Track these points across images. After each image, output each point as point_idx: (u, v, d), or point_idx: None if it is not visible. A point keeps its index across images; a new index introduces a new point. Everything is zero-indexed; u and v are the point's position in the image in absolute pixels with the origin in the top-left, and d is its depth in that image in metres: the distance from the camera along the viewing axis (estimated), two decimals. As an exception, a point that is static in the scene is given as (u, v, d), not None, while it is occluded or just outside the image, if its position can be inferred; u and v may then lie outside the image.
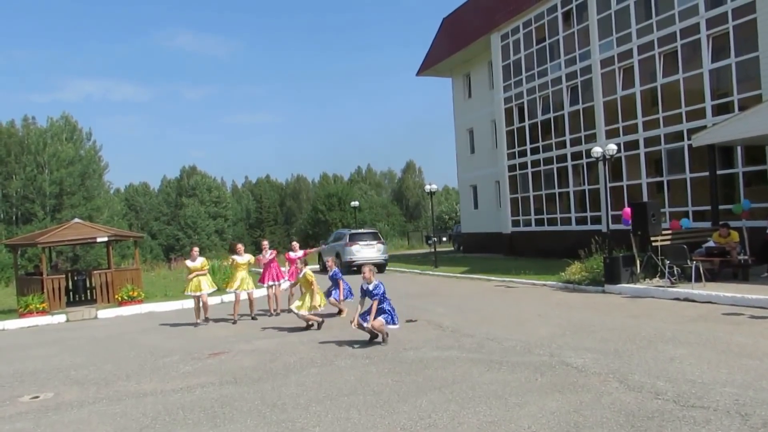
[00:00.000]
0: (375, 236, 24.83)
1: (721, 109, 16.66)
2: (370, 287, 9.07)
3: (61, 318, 14.81)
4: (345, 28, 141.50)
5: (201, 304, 12.83)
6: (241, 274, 12.97)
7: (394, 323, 9.07)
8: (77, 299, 17.39)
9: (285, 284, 13.66)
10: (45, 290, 15.27)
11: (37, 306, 14.72)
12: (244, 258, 13.11)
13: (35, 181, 46.63)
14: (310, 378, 7.40)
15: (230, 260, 13.43)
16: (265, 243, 14.28)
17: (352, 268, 21.98)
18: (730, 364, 6.62)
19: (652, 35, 18.83)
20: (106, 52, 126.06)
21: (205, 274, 12.94)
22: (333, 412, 5.97)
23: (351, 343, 9.37)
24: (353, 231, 25.36)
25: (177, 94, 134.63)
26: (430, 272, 22.19)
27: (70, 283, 17.47)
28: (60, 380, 8.19)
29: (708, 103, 17.18)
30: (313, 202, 70.94)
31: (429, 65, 32.76)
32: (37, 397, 7.37)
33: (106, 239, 16.45)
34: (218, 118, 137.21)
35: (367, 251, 23.79)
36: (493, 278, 17.97)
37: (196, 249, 13.45)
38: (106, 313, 15.20)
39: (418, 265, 25.68)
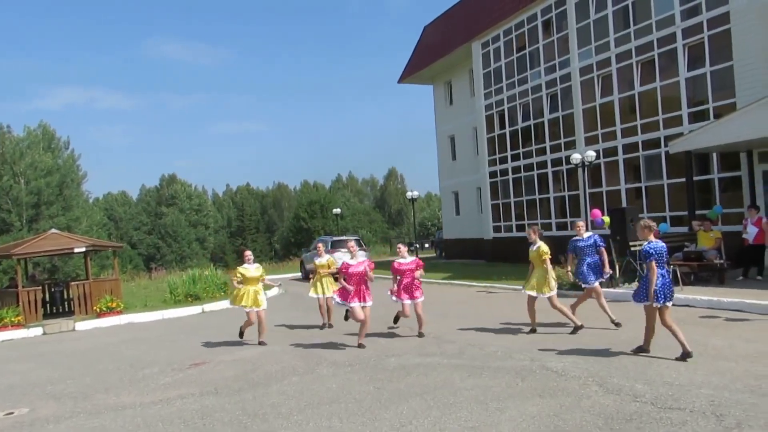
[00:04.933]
0: (357, 243, 24.74)
1: (697, 117, 16.94)
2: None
3: (37, 331, 14.54)
4: (327, 36, 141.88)
5: (257, 320, 10.37)
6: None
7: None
8: (55, 311, 17.14)
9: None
10: (20, 303, 15.00)
11: (12, 319, 14.41)
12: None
13: (11, 191, 45.87)
14: (291, 387, 7.37)
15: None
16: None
17: (335, 276, 21.93)
18: (706, 367, 6.72)
19: (629, 44, 19.11)
20: (91, 62, 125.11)
21: (260, 286, 10.48)
22: (314, 420, 5.96)
23: (333, 352, 9.36)
24: (335, 238, 25.32)
25: (162, 103, 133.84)
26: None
27: (47, 295, 17.21)
28: (36, 395, 8.05)
29: (684, 111, 17.46)
30: (294, 209, 70.76)
31: (410, 73, 32.91)
32: (11, 413, 7.22)
33: (83, 250, 16.26)
34: (202, 127, 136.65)
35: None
36: (474, 284, 18.05)
37: (248, 252, 10.88)
38: (84, 325, 14.97)
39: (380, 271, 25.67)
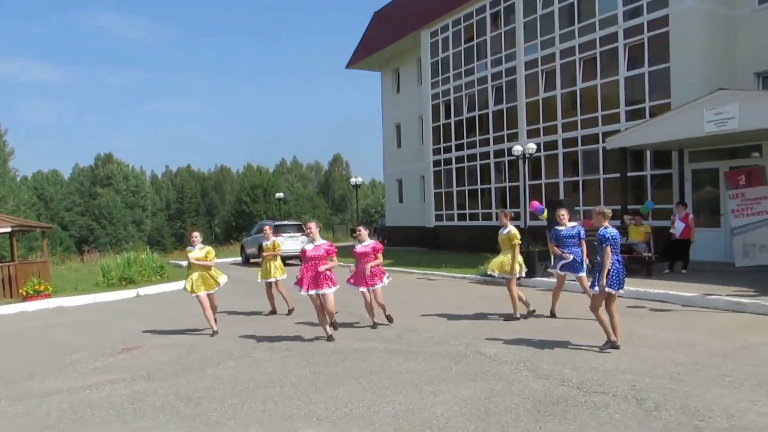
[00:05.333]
0: (299, 228, 24.62)
1: (634, 115, 17.55)
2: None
3: (-45, 314, 13.81)
4: (276, 17, 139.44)
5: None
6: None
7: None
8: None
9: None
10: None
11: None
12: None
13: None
14: (227, 371, 7.30)
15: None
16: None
17: (284, 260, 21.76)
18: (630, 354, 7.02)
19: (573, 41, 19.58)
20: (20, 30, 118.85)
21: (210, 268, 9.74)
22: (249, 404, 5.93)
23: (270, 336, 9.30)
24: (277, 222, 25.07)
25: (99, 78, 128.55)
26: (354, 265, 22.21)
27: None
28: (-45, 378, 7.69)
29: (622, 109, 18.06)
30: (236, 193, 69.61)
31: (359, 58, 32.76)
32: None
33: (9, 230, 15.50)
34: (141, 105, 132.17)
35: (291, 243, 23.55)
36: (415, 271, 18.24)
37: (195, 234, 9.93)
38: (7, 308, 14.19)
39: (343, 257, 25.68)
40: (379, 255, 9.59)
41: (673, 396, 5.48)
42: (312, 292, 8.52)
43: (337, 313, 9.38)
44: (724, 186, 14.92)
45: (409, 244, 29.50)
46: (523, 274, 10.02)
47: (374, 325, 9.51)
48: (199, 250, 9.66)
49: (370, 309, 9.56)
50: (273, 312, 11.48)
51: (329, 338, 8.66)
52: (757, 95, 13.59)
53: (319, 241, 8.76)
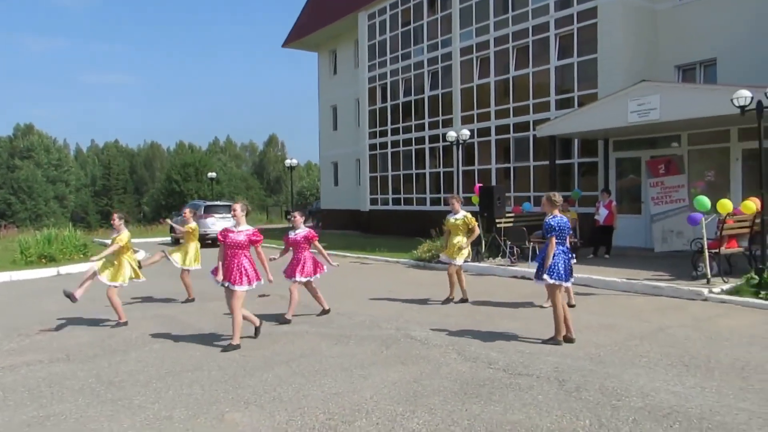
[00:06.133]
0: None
1: (564, 104, 18.05)
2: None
3: None
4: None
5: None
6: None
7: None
8: None
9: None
10: None
11: None
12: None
13: None
14: (152, 354, 7.09)
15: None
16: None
17: (207, 242, 21.27)
18: (546, 336, 7.24)
19: (507, 29, 19.87)
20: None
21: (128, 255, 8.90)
22: (175, 388, 5.78)
23: (199, 320, 9.10)
24: (209, 203, 24.50)
25: (18, 45, 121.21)
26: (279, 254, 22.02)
27: None
28: None
29: (552, 98, 18.53)
30: (167, 171, 67.51)
31: (295, 37, 32.16)
32: None
33: None
34: (65, 75, 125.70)
35: (223, 224, 23.10)
36: (348, 255, 18.25)
37: (114, 215, 9.08)
38: None
39: (276, 239, 25.40)
40: (316, 243, 8.97)
41: (593, 377, 5.71)
42: (227, 283, 7.22)
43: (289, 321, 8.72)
44: (645, 174, 15.62)
45: (344, 228, 29.45)
46: (466, 261, 10.13)
47: (323, 312, 9.12)
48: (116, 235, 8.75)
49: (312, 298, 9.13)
50: (191, 300, 10.76)
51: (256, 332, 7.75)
52: (677, 87, 14.21)
53: (244, 226, 7.40)
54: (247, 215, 7.43)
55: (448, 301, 9.87)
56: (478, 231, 9.78)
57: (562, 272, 6.93)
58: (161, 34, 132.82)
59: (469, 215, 9.74)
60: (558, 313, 6.93)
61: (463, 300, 9.91)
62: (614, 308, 9.18)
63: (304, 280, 8.74)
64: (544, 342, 7.00)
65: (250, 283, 7.24)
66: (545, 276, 6.90)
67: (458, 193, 17.28)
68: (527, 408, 4.97)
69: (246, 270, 7.23)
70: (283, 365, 6.43)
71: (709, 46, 15.96)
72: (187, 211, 11.38)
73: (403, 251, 17.24)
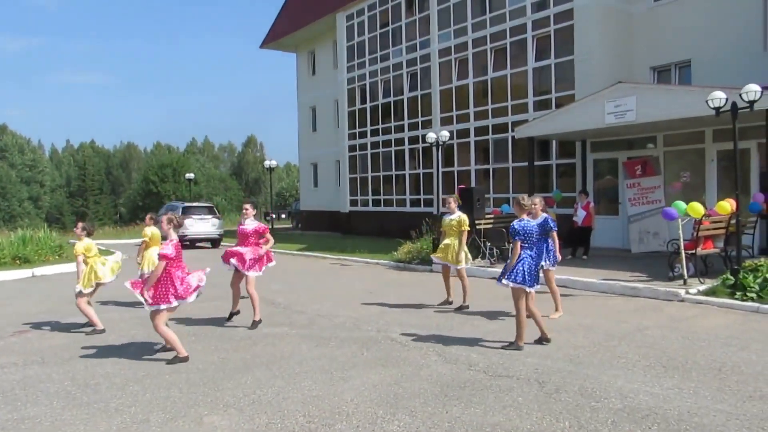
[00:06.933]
0: (210, 210, 24.00)
1: (541, 106, 18.19)
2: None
3: None
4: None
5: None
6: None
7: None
8: None
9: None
10: None
11: None
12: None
13: None
14: (129, 356, 6.99)
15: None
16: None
17: (185, 243, 21.07)
18: (533, 338, 7.26)
19: (485, 31, 19.97)
20: None
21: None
22: (152, 391, 5.70)
23: (177, 322, 8.98)
24: (187, 204, 24.26)
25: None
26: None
27: None
28: None
29: (530, 99, 18.66)
30: (144, 172, 66.76)
31: (273, 38, 31.99)
32: None
33: None
34: (39, 74, 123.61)
35: (201, 225, 22.94)
36: (329, 256, 18.19)
37: (79, 224, 8.97)
38: None
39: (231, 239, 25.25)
40: (268, 236, 8.64)
41: (572, 378, 5.75)
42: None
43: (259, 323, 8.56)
44: (622, 175, 15.79)
45: (323, 229, 29.37)
46: (469, 264, 9.86)
47: (232, 315, 8.79)
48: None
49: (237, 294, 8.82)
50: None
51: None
52: (652, 89, 14.37)
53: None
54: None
55: (445, 303, 9.73)
56: (466, 234, 9.55)
57: (526, 276, 6.72)
58: (138, 33, 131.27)
59: (463, 217, 9.50)
60: (520, 318, 6.76)
61: (463, 306, 9.42)
62: (592, 309, 9.26)
63: (251, 274, 8.40)
64: (504, 348, 6.84)
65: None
66: (504, 280, 6.76)
67: (438, 194, 17.31)
68: (507, 410, 4.98)
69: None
70: (263, 367, 6.37)
71: (684, 48, 16.20)
72: (148, 217, 10.44)
73: (383, 252, 17.23)
